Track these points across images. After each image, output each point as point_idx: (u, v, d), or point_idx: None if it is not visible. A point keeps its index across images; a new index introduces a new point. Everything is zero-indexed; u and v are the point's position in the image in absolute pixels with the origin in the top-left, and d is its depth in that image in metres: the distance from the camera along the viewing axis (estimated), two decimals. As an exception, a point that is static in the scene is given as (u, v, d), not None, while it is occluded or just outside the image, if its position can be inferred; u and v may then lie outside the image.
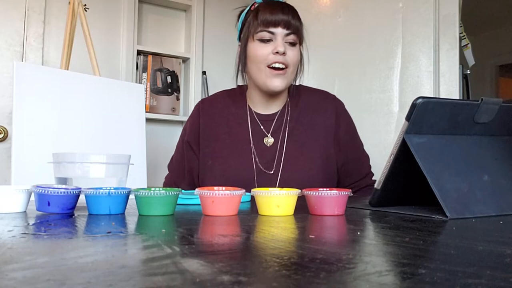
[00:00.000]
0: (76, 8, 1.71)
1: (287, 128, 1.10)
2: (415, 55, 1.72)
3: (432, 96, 1.49)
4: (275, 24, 1.01)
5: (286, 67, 1.03)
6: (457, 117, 0.63)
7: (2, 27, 2.04)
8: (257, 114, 1.13)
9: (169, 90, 2.41)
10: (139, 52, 2.34)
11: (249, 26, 1.04)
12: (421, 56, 1.70)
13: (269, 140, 1.09)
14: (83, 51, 1.83)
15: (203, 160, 1.11)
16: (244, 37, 1.07)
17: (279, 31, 1.02)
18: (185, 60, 2.49)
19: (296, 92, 1.15)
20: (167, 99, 2.40)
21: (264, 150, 1.08)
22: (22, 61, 2.05)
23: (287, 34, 1.02)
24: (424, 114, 0.60)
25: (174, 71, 2.43)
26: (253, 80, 1.08)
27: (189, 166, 1.13)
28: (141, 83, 2.31)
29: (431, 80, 1.66)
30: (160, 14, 2.49)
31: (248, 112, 1.13)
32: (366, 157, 1.16)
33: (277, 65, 1.02)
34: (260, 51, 1.02)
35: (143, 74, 2.35)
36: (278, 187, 1.03)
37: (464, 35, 1.81)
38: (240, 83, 1.14)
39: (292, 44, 1.04)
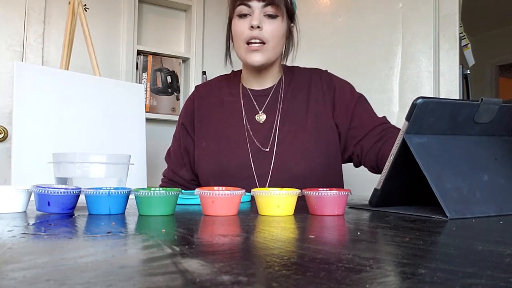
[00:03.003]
0: (76, 8, 1.71)
1: (281, 105, 1.09)
2: (415, 55, 1.72)
3: (432, 96, 1.49)
4: None
5: (264, 42, 1.00)
6: (457, 117, 0.63)
7: (2, 27, 2.04)
8: (250, 90, 1.12)
9: (169, 90, 2.41)
10: (139, 52, 2.34)
11: (231, 2, 1.03)
12: (421, 56, 1.70)
13: (261, 118, 1.08)
14: (83, 51, 1.83)
15: (198, 142, 1.11)
16: (229, 15, 1.06)
17: (255, 4, 0.99)
18: (185, 60, 2.49)
19: (289, 71, 1.14)
20: (167, 99, 2.40)
21: (258, 127, 1.08)
22: (22, 61, 2.05)
23: (264, 6, 0.99)
24: (424, 114, 0.60)
25: (174, 71, 2.43)
26: (238, 57, 1.07)
27: (186, 149, 1.13)
28: (141, 83, 2.31)
29: (431, 80, 1.66)
30: (160, 14, 2.49)
31: (241, 90, 1.13)
32: (376, 113, 1.08)
33: (252, 41, 1.00)
34: (238, 27, 1.01)
35: (143, 74, 2.35)
36: (273, 164, 1.03)
37: (464, 35, 1.81)
38: (229, 65, 1.13)
39: (272, 16, 1.01)
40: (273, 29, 1.00)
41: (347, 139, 1.07)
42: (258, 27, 0.99)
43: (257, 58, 1.01)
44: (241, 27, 1.01)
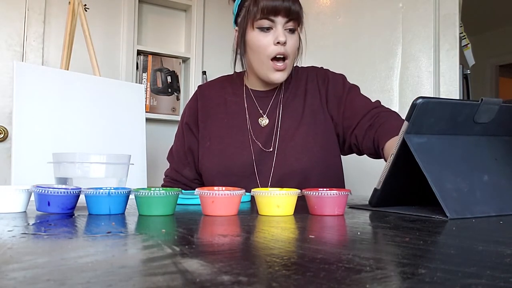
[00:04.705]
0: (76, 8, 1.71)
1: (282, 106, 1.09)
2: (415, 55, 1.71)
3: (432, 96, 1.49)
4: (276, 13, 0.98)
5: (286, 58, 1.01)
6: (457, 117, 0.63)
7: (2, 27, 2.04)
8: (253, 91, 1.13)
9: (169, 90, 2.41)
10: (139, 52, 2.34)
11: (248, 12, 1.01)
12: (421, 56, 1.70)
13: (263, 121, 1.09)
14: (83, 51, 1.83)
15: (202, 142, 1.11)
16: (242, 23, 1.04)
17: (279, 20, 0.99)
18: (185, 60, 2.49)
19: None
20: (167, 99, 2.40)
21: (260, 129, 1.08)
22: (22, 61, 2.05)
23: (287, 21, 0.99)
24: (424, 114, 0.60)
25: (174, 71, 2.43)
26: (254, 69, 1.06)
27: (190, 148, 1.13)
28: (141, 83, 2.31)
29: (431, 80, 1.66)
30: (160, 14, 2.49)
31: (245, 90, 1.13)
32: (369, 99, 1.08)
33: (278, 56, 1.00)
34: (261, 42, 1.00)
35: (143, 74, 2.35)
36: (275, 162, 1.04)
37: (464, 35, 1.81)
38: (238, 69, 1.13)
39: (292, 30, 1.01)
40: (293, 44, 1.02)
41: (343, 130, 1.08)
42: (285, 43, 0.99)
43: (279, 76, 1.02)
44: (264, 41, 1.00)
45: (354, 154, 1.13)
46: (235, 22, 1.09)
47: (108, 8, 2.29)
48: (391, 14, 1.79)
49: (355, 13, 1.93)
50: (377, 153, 0.99)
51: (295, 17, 1.00)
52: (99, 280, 0.24)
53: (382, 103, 1.08)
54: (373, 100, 1.08)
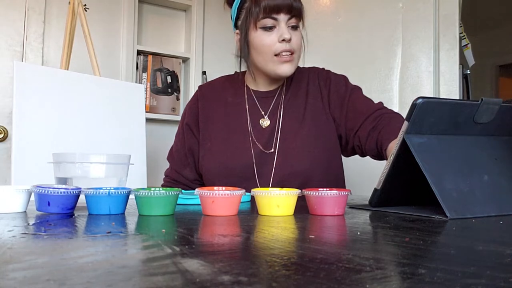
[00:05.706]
0: (76, 8, 1.71)
1: (283, 106, 1.09)
2: (415, 55, 1.71)
3: (432, 96, 1.49)
4: (278, 10, 0.98)
5: (292, 53, 1.01)
6: (457, 117, 0.63)
7: (2, 27, 2.04)
8: (255, 91, 1.12)
9: (169, 90, 2.41)
10: (139, 52, 2.34)
11: (250, 14, 1.01)
12: (421, 56, 1.70)
13: (265, 122, 1.09)
14: (83, 51, 1.83)
15: (202, 143, 1.11)
16: (243, 25, 1.03)
17: (282, 17, 0.99)
18: (185, 60, 2.49)
19: None
20: (167, 99, 2.40)
21: (261, 131, 1.08)
22: (22, 61, 2.05)
23: (290, 18, 1.00)
24: (424, 114, 0.60)
25: (174, 71, 2.43)
26: (260, 69, 1.06)
27: (190, 149, 1.13)
28: (141, 83, 2.31)
29: (431, 80, 1.66)
30: (160, 14, 2.49)
31: (246, 91, 1.13)
32: (371, 101, 1.08)
33: (284, 54, 1.00)
34: (265, 41, 1.00)
35: (143, 74, 2.35)
36: (276, 163, 1.04)
37: (464, 35, 1.81)
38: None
39: (294, 27, 1.02)
40: (297, 40, 1.02)
41: (346, 132, 1.08)
42: (290, 39, 0.99)
43: (288, 69, 1.02)
44: (268, 40, 1.00)
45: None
46: (235, 25, 1.09)
47: (108, 8, 2.29)
48: (391, 14, 1.79)
49: (355, 13, 1.93)
50: (380, 155, 0.99)
51: (297, 13, 1.00)
52: (99, 280, 0.24)
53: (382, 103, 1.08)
54: (375, 101, 1.08)
